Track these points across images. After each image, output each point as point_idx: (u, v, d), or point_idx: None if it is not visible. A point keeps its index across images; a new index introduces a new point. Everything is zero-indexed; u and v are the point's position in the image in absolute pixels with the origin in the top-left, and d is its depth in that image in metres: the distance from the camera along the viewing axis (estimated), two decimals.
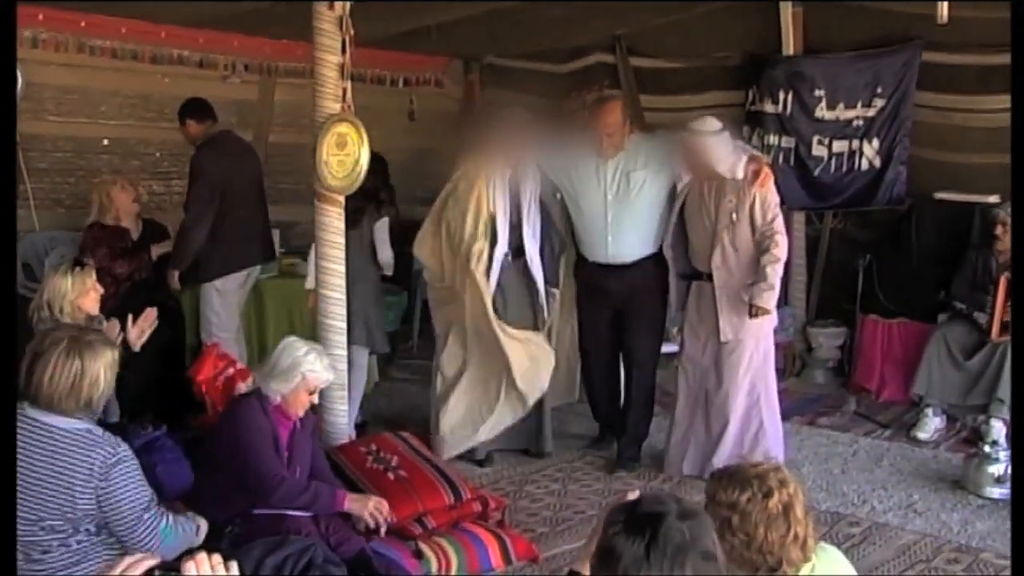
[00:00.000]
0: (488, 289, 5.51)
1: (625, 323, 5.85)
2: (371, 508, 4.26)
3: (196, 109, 6.49)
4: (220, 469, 4.04)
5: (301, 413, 4.22)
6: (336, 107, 4.97)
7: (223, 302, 6.41)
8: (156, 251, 6.16)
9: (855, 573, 2.72)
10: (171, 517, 3.43)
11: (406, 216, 9.32)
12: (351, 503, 4.23)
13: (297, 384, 4.12)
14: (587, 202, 5.67)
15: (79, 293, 5.03)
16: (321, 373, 4.18)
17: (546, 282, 5.80)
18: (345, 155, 4.91)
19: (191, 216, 6.27)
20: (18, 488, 3.13)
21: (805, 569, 2.56)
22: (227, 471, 3.97)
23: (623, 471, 5.75)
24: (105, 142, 7.77)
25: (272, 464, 4.04)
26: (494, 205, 5.57)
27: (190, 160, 6.47)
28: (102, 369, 3.36)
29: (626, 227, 5.60)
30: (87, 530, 3.27)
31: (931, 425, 6.36)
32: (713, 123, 5.39)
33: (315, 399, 4.28)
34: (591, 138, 5.63)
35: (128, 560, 1.93)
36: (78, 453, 3.23)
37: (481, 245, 5.52)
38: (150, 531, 3.34)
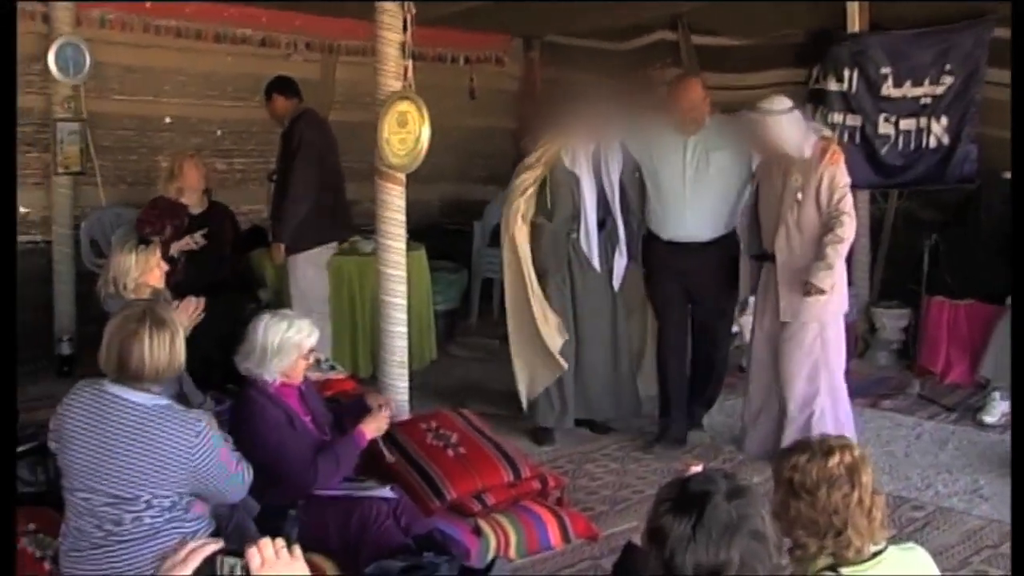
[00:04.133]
0: (525, 253, 5.65)
1: (697, 303, 5.84)
2: (383, 420, 4.29)
3: (285, 86, 6.60)
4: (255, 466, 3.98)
5: (302, 377, 4.24)
6: (397, 85, 4.98)
7: (316, 275, 6.50)
8: (176, 248, 6.05)
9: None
10: (246, 465, 3.54)
11: (465, 195, 9.39)
12: (370, 432, 4.24)
13: (294, 356, 4.11)
14: (666, 179, 5.65)
15: (143, 270, 5.10)
16: (309, 336, 4.13)
17: (629, 257, 5.89)
18: (406, 133, 4.93)
19: (294, 189, 6.35)
20: (96, 461, 3.25)
21: (875, 568, 2.51)
22: (261, 471, 3.93)
23: (676, 448, 5.77)
24: (167, 120, 7.88)
25: (299, 456, 4.00)
26: (578, 181, 5.64)
27: (286, 135, 6.54)
28: (182, 341, 3.47)
29: (703, 205, 5.57)
30: (162, 506, 3.34)
31: (998, 409, 6.24)
32: (783, 102, 5.33)
33: (311, 359, 4.26)
34: (671, 115, 5.61)
35: (191, 545, 1.94)
36: (164, 429, 3.30)
37: (523, 208, 5.63)
38: (236, 490, 3.52)
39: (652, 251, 5.86)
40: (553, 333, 5.70)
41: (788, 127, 5.28)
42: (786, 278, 5.37)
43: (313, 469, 3.99)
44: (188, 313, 4.68)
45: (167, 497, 3.33)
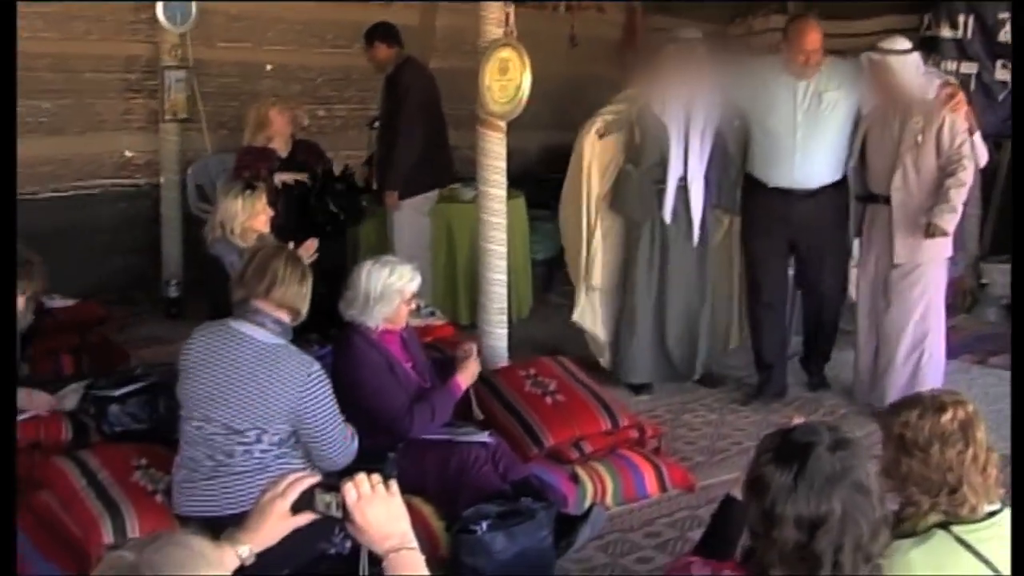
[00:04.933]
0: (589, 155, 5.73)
1: (806, 255, 5.74)
2: (474, 366, 4.35)
3: (387, 33, 6.60)
4: (351, 411, 4.03)
5: (404, 323, 4.28)
6: (499, 32, 4.96)
7: (419, 222, 6.56)
8: (279, 178, 6.14)
9: None
10: (353, 433, 3.64)
11: (564, 143, 9.32)
12: (465, 382, 4.30)
13: (396, 302, 4.15)
14: (775, 122, 5.54)
15: (250, 215, 5.21)
16: (411, 281, 4.18)
17: (723, 208, 5.83)
18: (507, 80, 4.92)
19: (402, 138, 6.37)
20: (214, 391, 3.46)
21: (990, 530, 2.45)
22: (358, 415, 4.01)
23: (776, 402, 5.74)
24: (268, 67, 7.97)
25: (398, 403, 4.06)
26: (666, 130, 5.58)
27: (390, 83, 6.56)
28: (310, 287, 3.67)
29: (814, 149, 5.47)
30: (271, 441, 3.49)
31: None
32: (903, 42, 5.27)
33: (413, 304, 4.30)
34: (785, 58, 5.50)
35: (291, 477, 1.99)
36: (280, 366, 3.48)
37: (600, 124, 5.76)
38: (337, 446, 3.62)
39: (754, 200, 5.75)
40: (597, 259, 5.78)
41: (909, 67, 5.22)
42: (903, 219, 5.28)
43: (409, 418, 4.04)
44: (308, 253, 4.79)
45: (276, 433, 3.47)
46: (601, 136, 5.75)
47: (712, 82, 5.61)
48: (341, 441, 3.65)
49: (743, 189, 5.80)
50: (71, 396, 4.53)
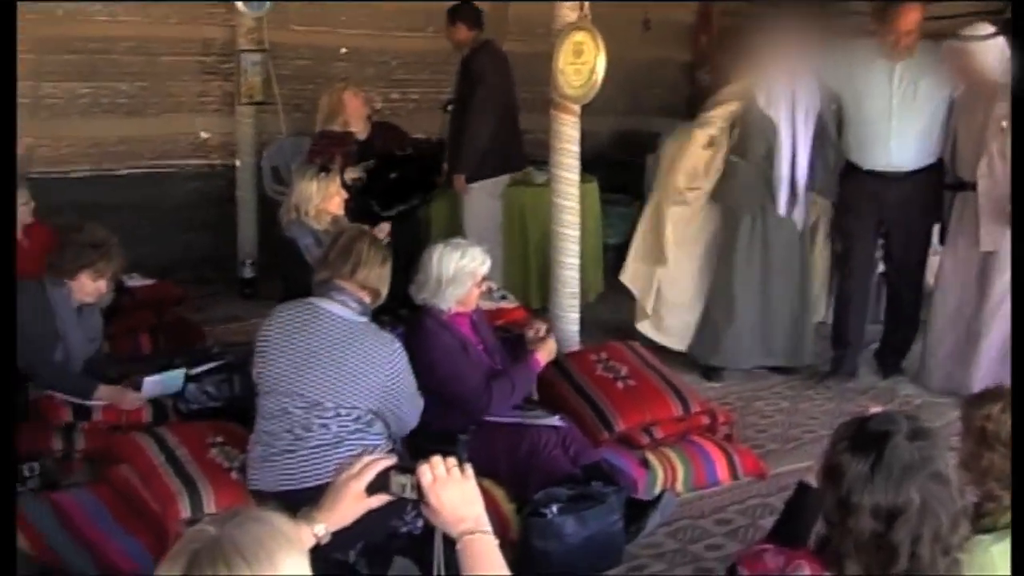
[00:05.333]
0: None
1: (894, 237, 5.70)
2: (551, 342, 4.38)
3: (469, 14, 6.59)
4: (425, 393, 4.06)
5: (475, 305, 4.31)
6: (573, 16, 4.95)
7: (490, 205, 6.56)
8: (348, 176, 6.01)
9: None
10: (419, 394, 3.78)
11: (636, 127, 9.27)
12: (543, 357, 4.33)
13: (468, 284, 4.17)
14: (871, 107, 5.48)
15: (324, 197, 5.26)
16: (482, 264, 4.20)
17: (820, 193, 5.79)
18: (582, 64, 4.91)
19: (475, 121, 6.37)
20: (296, 366, 3.55)
21: None
22: (432, 397, 4.03)
23: (849, 382, 5.72)
24: (343, 50, 8.02)
25: (473, 382, 4.08)
26: (772, 123, 5.53)
27: (466, 66, 6.56)
28: (390, 269, 3.79)
29: (909, 132, 5.40)
30: (349, 415, 3.56)
31: None
32: (985, 28, 5.17)
33: (484, 287, 4.35)
34: (881, 40, 5.43)
35: (366, 459, 2.01)
36: (364, 343, 3.60)
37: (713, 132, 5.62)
38: (412, 416, 3.79)
39: (849, 182, 5.70)
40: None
41: (993, 53, 5.10)
42: (988, 206, 5.18)
43: (487, 394, 4.07)
44: (380, 236, 4.84)
45: (355, 408, 3.55)
46: (707, 147, 5.68)
47: (810, 67, 5.55)
48: (415, 411, 3.81)
49: (840, 171, 5.75)
50: (154, 387, 4.62)
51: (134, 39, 7.16)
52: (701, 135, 5.67)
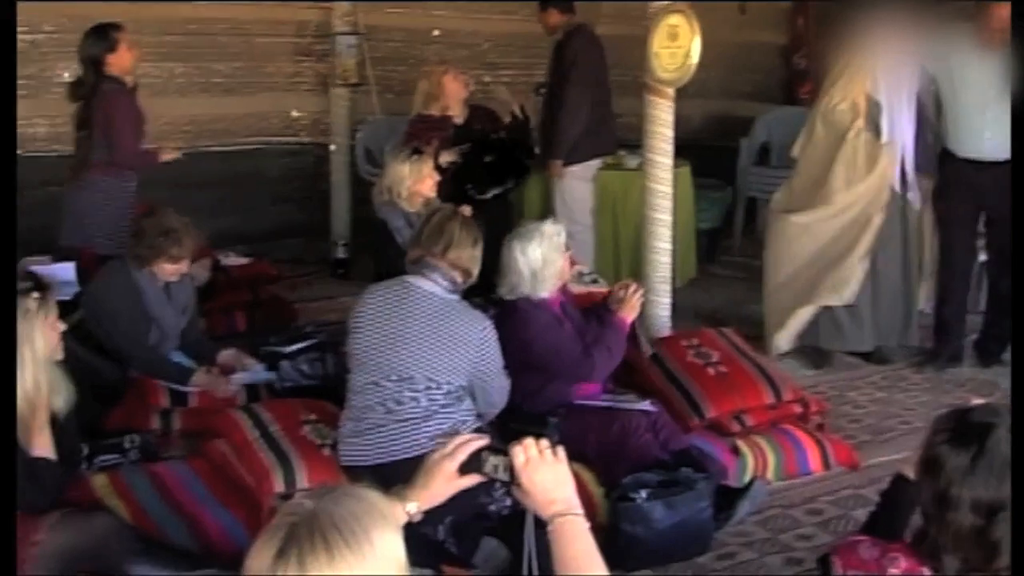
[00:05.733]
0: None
1: (994, 224, 5.56)
2: (635, 299, 4.33)
3: None
4: (524, 371, 4.08)
5: (569, 274, 4.34)
6: None
7: (583, 189, 6.54)
8: (443, 159, 6.06)
9: None
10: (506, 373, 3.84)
11: (730, 111, 9.18)
12: (628, 315, 4.31)
13: (560, 261, 4.18)
14: (966, 95, 5.37)
15: (416, 179, 5.31)
16: (559, 235, 4.20)
17: (925, 173, 5.66)
18: (676, 47, 4.87)
19: (571, 104, 6.34)
20: (389, 341, 3.63)
21: None
22: (526, 377, 4.06)
23: (950, 369, 5.63)
24: (435, 32, 8.07)
25: (574, 353, 4.10)
26: (880, 109, 5.41)
27: (560, 49, 6.53)
28: (481, 251, 3.84)
29: (1005, 123, 5.25)
30: (440, 390, 3.62)
31: None
32: None
33: (575, 271, 4.39)
34: (978, 27, 5.30)
35: (459, 439, 2.02)
36: (457, 320, 3.67)
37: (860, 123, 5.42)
38: (502, 394, 3.85)
39: (946, 169, 5.59)
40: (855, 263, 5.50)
41: None
42: None
43: (588, 360, 4.11)
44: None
45: (446, 383, 3.62)
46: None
47: (911, 48, 5.43)
48: (503, 391, 3.87)
49: (938, 156, 5.63)
50: (247, 376, 4.71)
51: (231, 21, 7.31)
52: (850, 130, 5.49)
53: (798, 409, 4.67)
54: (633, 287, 4.40)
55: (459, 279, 3.78)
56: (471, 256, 3.81)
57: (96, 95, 5.30)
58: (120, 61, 5.34)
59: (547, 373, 4.09)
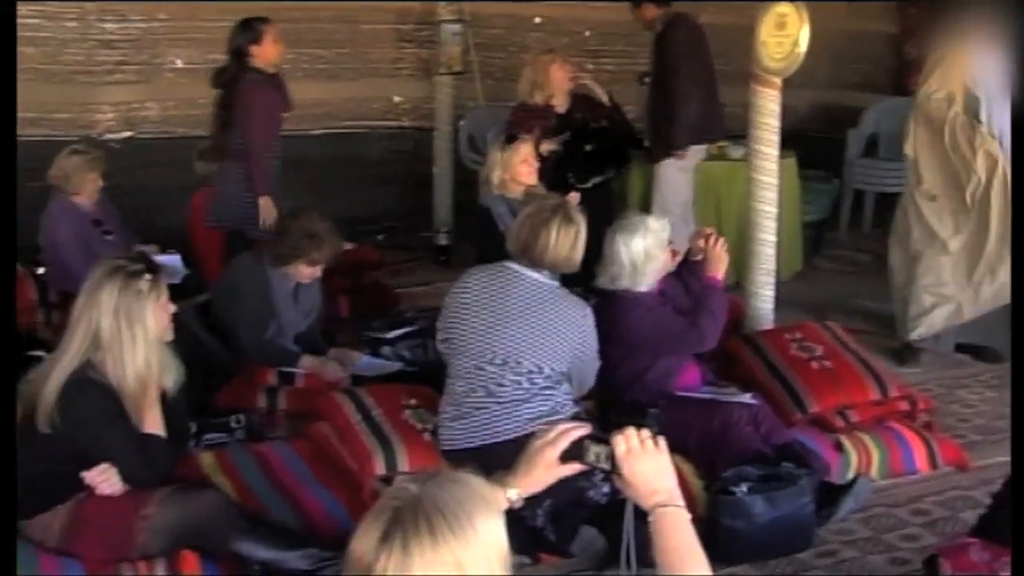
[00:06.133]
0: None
1: None
2: (718, 249, 4.30)
3: None
4: (624, 361, 4.11)
5: (670, 267, 4.32)
6: None
7: (681, 179, 6.48)
8: (544, 148, 5.96)
9: None
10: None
11: (837, 102, 9.00)
12: (717, 271, 4.28)
13: (662, 256, 4.16)
14: None
15: (506, 167, 5.30)
16: (663, 229, 4.18)
17: None
18: (784, 36, 4.80)
19: (681, 96, 6.28)
20: (490, 326, 3.69)
21: None
22: (637, 359, 4.09)
23: None
24: (537, 20, 8.06)
25: (679, 323, 4.13)
26: (979, 104, 5.24)
27: (661, 40, 6.46)
28: (584, 241, 3.85)
29: None
30: (540, 373, 3.67)
31: None
32: None
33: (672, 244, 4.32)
34: None
35: (561, 428, 2.02)
36: (559, 305, 3.74)
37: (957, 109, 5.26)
38: (593, 376, 3.91)
39: None
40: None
41: None
42: None
43: (696, 330, 4.12)
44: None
45: (548, 366, 3.67)
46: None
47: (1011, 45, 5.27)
48: (594, 374, 3.93)
49: None
50: (368, 367, 4.78)
51: (336, 9, 7.41)
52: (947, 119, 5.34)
53: (905, 406, 4.56)
54: (712, 237, 4.36)
55: (561, 270, 3.87)
56: (569, 256, 3.83)
57: (237, 83, 5.50)
58: (264, 53, 5.52)
59: (657, 354, 4.10)
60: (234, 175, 5.55)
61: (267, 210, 5.43)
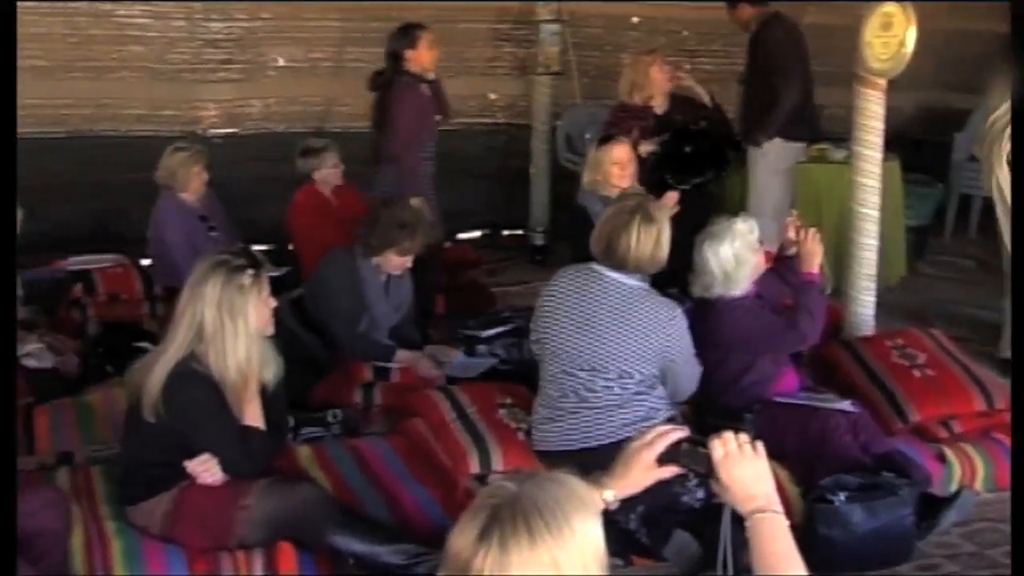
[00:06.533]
0: None
1: None
2: (812, 240, 4.24)
3: None
4: (721, 365, 4.05)
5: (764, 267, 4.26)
6: None
7: (776, 180, 6.41)
8: (643, 149, 5.93)
9: None
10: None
11: (942, 104, 8.78)
12: (812, 265, 4.22)
13: (753, 260, 4.09)
14: None
15: (595, 168, 5.28)
16: (752, 232, 4.10)
17: None
18: (890, 37, 4.70)
19: (782, 96, 6.24)
20: (578, 330, 3.66)
21: None
22: (735, 363, 4.05)
23: None
24: (634, 19, 8.03)
25: (778, 327, 4.10)
26: None
27: (756, 40, 6.42)
28: (668, 238, 3.77)
29: None
30: (632, 378, 3.64)
31: None
32: None
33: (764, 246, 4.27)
34: None
35: (658, 430, 2.01)
36: (646, 307, 3.68)
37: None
38: (693, 382, 3.85)
39: None
40: None
41: None
42: None
43: (796, 331, 4.07)
44: (669, 205, 4.81)
45: (638, 370, 3.64)
46: None
47: None
48: (694, 377, 3.86)
49: None
50: (462, 367, 4.81)
51: (432, 8, 7.45)
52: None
53: None
54: (803, 230, 4.31)
55: (648, 268, 3.78)
56: (653, 255, 3.73)
57: (392, 87, 5.62)
58: (418, 58, 5.63)
59: (755, 355, 4.05)
60: (387, 176, 5.61)
61: None
